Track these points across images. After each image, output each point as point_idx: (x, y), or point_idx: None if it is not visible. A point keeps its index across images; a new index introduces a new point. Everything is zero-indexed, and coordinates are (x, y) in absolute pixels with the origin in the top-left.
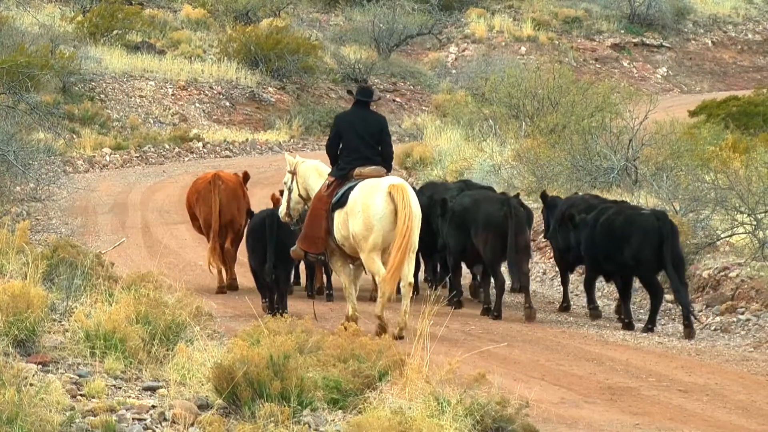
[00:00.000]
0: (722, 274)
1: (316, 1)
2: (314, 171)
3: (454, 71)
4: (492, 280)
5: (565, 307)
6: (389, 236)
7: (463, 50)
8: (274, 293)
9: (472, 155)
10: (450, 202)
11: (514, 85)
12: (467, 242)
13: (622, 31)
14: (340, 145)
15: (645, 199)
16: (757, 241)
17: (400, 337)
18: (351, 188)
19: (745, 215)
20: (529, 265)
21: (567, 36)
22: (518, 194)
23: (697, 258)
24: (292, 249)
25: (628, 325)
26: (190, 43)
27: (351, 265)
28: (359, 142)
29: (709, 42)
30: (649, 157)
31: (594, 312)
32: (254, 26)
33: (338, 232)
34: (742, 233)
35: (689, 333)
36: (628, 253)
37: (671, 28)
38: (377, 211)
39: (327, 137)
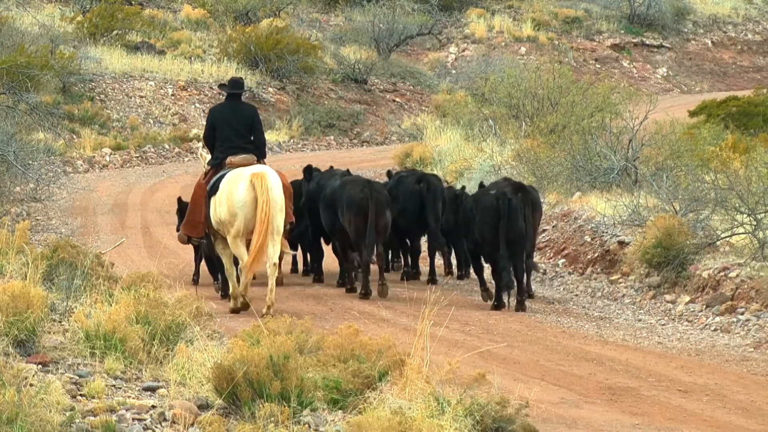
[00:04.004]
0: (722, 274)
1: (316, 1)
2: None
3: (454, 71)
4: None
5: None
6: (252, 222)
7: (463, 50)
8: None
9: (472, 155)
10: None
11: (514, 85)
12: (336, 222)
13: (622, 31)
14: (216, 136)
15: (645, 199)
16: (757, 241)
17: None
18: (222, 177)
19: (745, 215)
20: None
21: (567, 36)
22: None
23: (697, 258)
24: (177, 234)
25: (498, 306)
26: (190, 43)
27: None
28: (231, 132)
29: (709, 42)
30: (649, 157)
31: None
32: (254, 26)
33: (212, 218)
34: (742, 233)
35: (497, 307)
36: (477, 232)
37: (671, 28)
38: (239, 198)
39: (327, 137)
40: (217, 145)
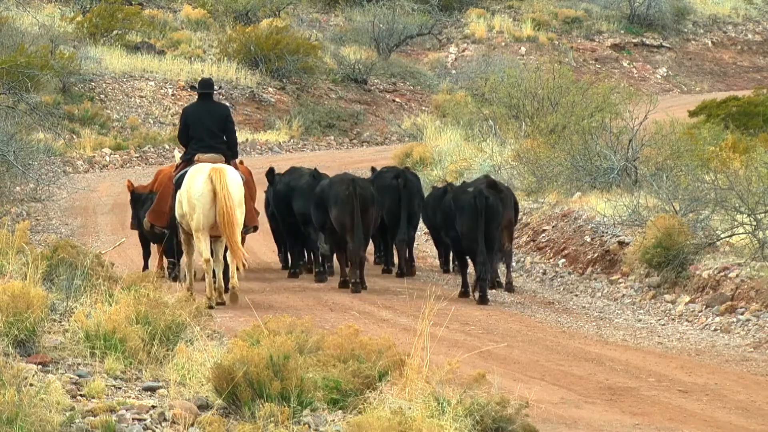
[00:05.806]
0: (722, 274)
1: (316, 1)
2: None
3: (453, 71)
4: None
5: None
6: (211, 215)
7: (463, 50)
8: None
9: (471, 155)
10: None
11: (514, 85)
12: (326, 219)
13: (622, 32)
14: (189, 135)
15: (645, 200)
16: (757, 241)
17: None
18: (186, 172)
19: (744, 215)
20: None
21: (567, 36)
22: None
23: (697, 258)
24: (144, 221)
25: (464, 294)
26: (190, 43)
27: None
28: (203, 131)
29: (709, 42)
30: (649, 157)
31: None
32: (254, 26)
33: (176, 211)
34: (742, 233)
35: (482, 300)
36: (458, 227)
37: (671, 29)
38: (196, 191)
39: (327, 137)
40: (190, 144)
